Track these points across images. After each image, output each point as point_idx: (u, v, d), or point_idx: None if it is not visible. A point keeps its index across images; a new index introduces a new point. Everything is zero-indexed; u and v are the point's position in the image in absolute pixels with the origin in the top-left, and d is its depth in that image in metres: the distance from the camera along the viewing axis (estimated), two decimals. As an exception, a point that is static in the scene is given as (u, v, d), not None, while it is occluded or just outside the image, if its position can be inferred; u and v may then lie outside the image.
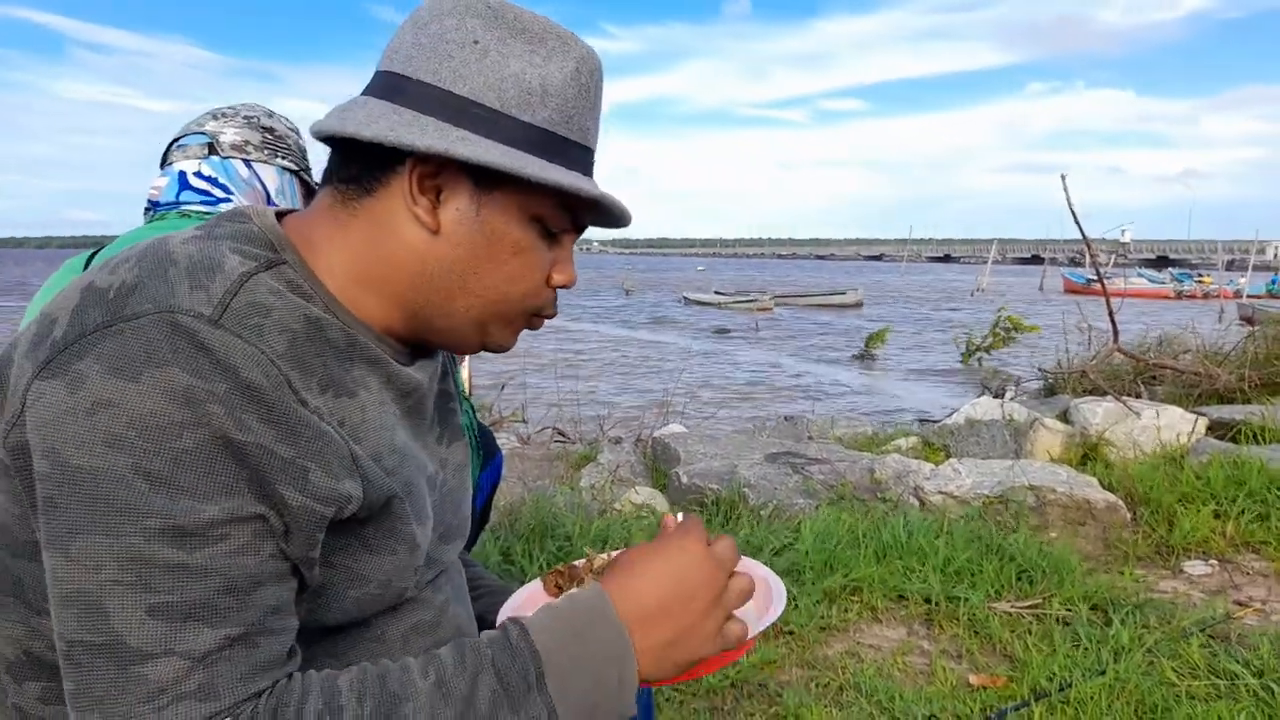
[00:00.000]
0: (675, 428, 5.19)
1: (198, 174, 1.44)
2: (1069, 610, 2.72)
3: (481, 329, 0.85)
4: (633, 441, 4.87)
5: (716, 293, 36.24)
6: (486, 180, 0.79)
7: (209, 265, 0.72)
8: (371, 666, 0.73)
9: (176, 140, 1.49)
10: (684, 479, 3.85)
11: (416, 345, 0.90)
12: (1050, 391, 6.63)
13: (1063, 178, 5.51)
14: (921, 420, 6.86)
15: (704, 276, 64.14)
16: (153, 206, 1.46)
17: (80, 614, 0.65)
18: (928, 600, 2.82)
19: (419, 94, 0.79)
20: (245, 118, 1.51)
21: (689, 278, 61.82)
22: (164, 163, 1.48)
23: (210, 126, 1.48)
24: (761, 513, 3.49)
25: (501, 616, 0.98)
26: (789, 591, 2.78)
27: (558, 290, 0.88)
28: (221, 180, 1.44)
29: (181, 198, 1.44)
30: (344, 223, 0.82)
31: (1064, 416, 4.93)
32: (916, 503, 3.70)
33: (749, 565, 1.07)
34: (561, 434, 5.70)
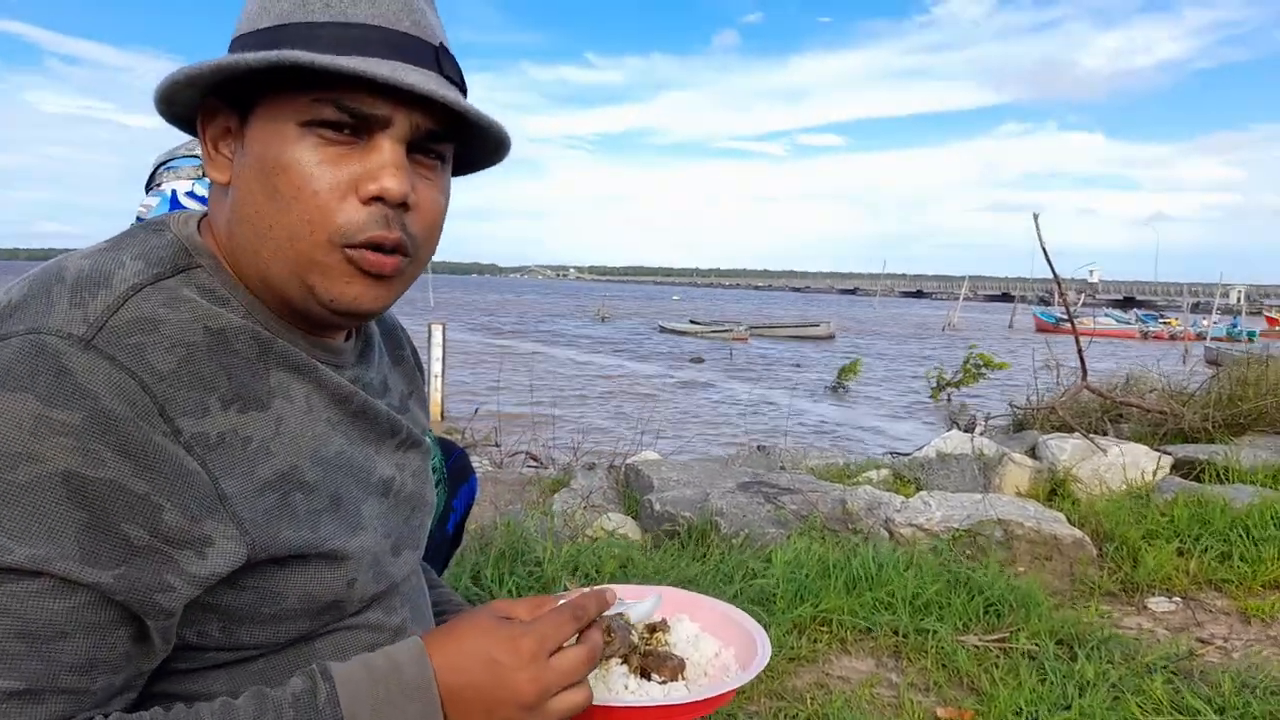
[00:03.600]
0: (649, 455, 5.19)
1: (189, 194, 1.44)
2: (1035, 644, 2.74)
3: (301, 281, 0.73)
4: (606, 468, 4.86)
5: (692, 322, 36.43)
6: (245, 106, 0.74)
7: (96, 280, 0.69)
8: (162, 717, 0.68)
9: (165, 163, 1.49)
10: (656, 506, 3.84)
11: (361, 342, 0.87)
12: (1019, 427, 6.71)
13: (1035, 217, 5.62)
14: (892, 453, 6.90)
15: (680, 305, 64.42)
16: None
17: None
18: (896, 632, 2.82)
19: (230, 49, 0.76)
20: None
21: (665, 306, 62.05)
22: (151, 185, 1.48)
23: (201, 151, 1.48)
24: (733, 541, 3.48)
25: None
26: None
27: (389, 209, 0.73)
28: (174, 201, 1.44)
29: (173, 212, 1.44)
30: (216, 208, 0.79)
31: (1032, 452, 4.99)
32: (887, 534, 3.71)
33: (736, 616, 1.06)
34: (534, 459, 5.67)
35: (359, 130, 0.72)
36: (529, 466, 5.54)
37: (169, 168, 1.47)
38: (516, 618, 0.78)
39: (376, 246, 0.73)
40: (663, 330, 34.85)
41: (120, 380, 0.64)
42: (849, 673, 2.64)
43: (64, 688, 0.64)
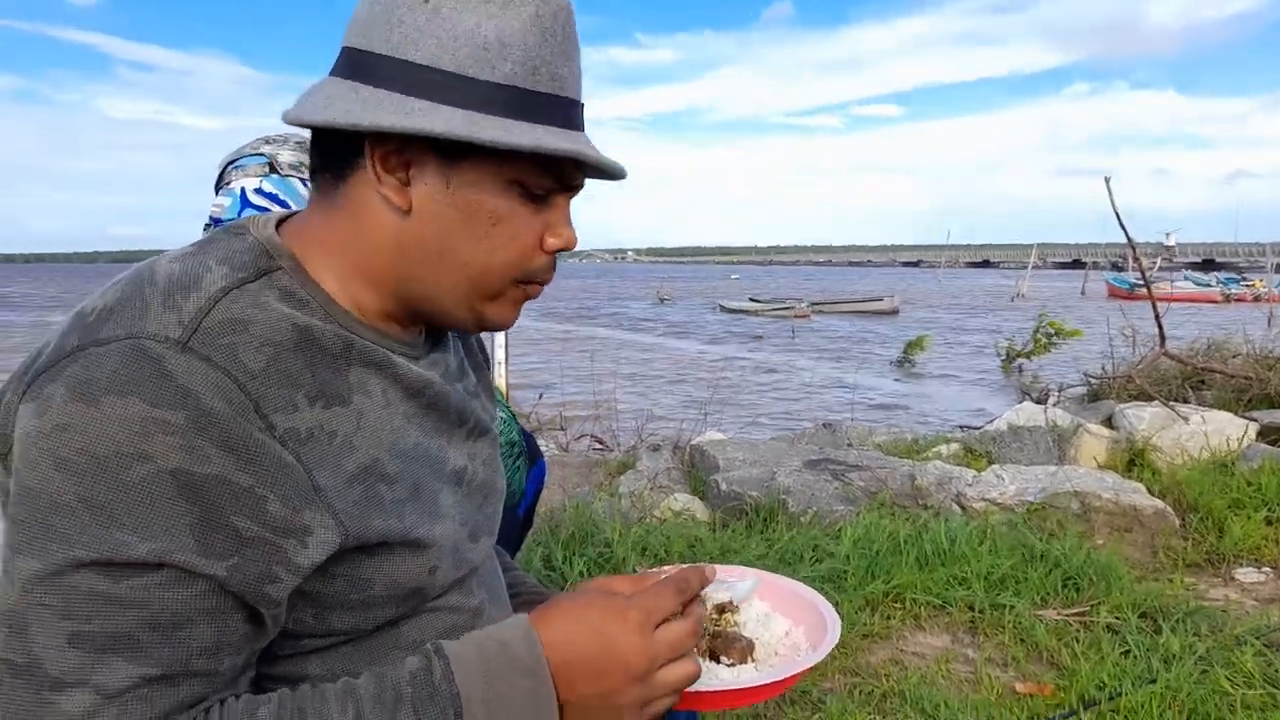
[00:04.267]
0: (713, 435, 5.19)
1: (258, 190, 1.48)
2: (1117, 618, 2.68)
3: (471, 306, 0.81)
4: (671, 449, 4.87)
5: (752, 300, 36.10)
6: (453, 151, 0.75)
7: (186, 283, 0.71)
8: (290, 696, 0.71)
9: (232, 162, 1.52)
10: (723, 486, 3.85)
11: (432, 331, 0.89)
12: (1094, 397, 6.52)
13: (1106, 180, 5.43)
14: (962, 427, 6.78)
15: (739, 284, 64.00)
16: (214, 224, 1.50)
17: (8, 633, 0.65)
18: (971, 608, 2.78)
19: (375, 67, 0.76)
20: (297, 142, 1.55)
21: (724, 286, 61.72)
22: (220, 184, 1.52)
23: (266, 149, 1.52)
24: (801, 519, 3.47)
25: None
26: (831, 598, 2.78)
27: (555, 255, 0.83)
28: (282, 197, 1.48)
29: (244, 214, 1.48)
30: (328, 215, 0.80)
31: (1109, 422, 4.85)
32: (959, 510, 3.66)
33: (806, 594, 1.04)
34: (600, 442, 5.72)
35: (553, 190, 0.80)
36: (594, 450, 5.58)
37: (237, 166, 1.52)
38: (619, 592, 0.80)
39: (542, 282, 0.84)
40: (723, 310, 34.61)
41: (217, 379, 0.67)
42: (924, 649, 2.62)
43: (196, 670, 0.68)
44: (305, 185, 1.50)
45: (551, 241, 0.81)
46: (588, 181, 0.86)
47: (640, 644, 0.75)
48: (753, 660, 0.91)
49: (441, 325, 0.85)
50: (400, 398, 0.82)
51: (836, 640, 0.93)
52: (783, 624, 1.01)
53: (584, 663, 0.75)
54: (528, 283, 0.82)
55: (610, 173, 0.84)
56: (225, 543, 0.67)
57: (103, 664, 0.64)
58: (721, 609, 1.03)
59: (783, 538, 3.28)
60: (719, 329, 25.76)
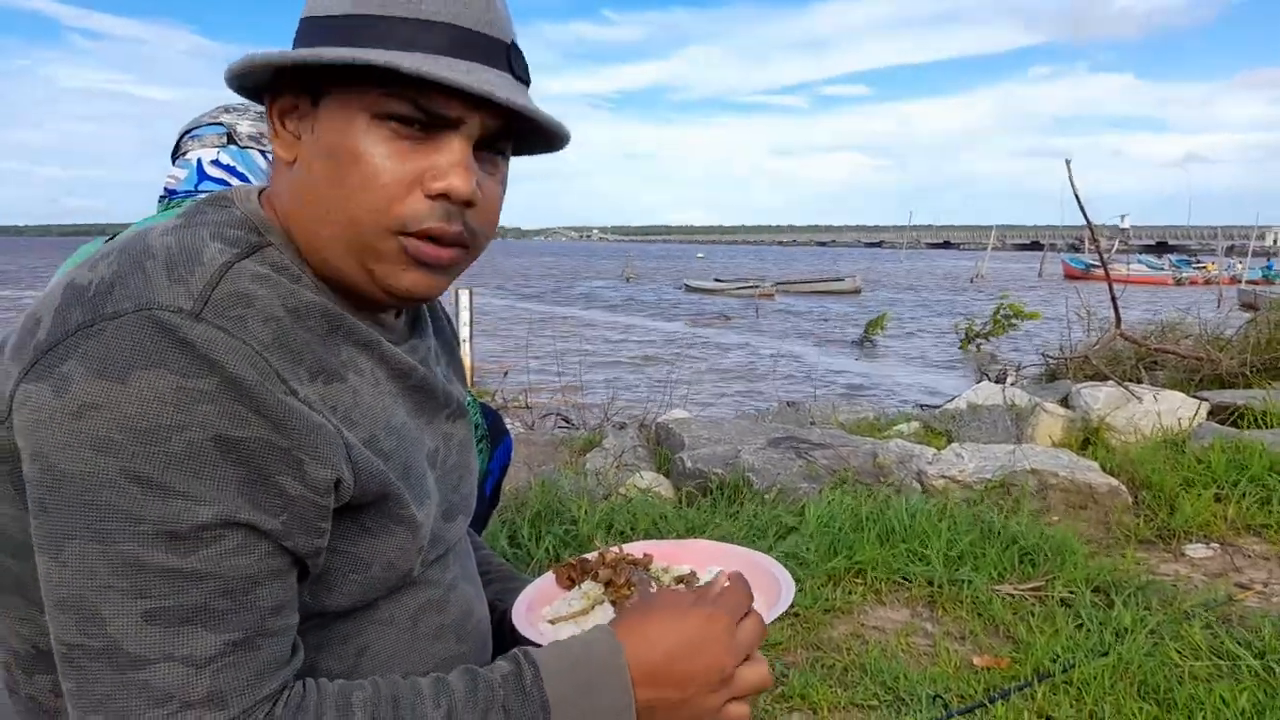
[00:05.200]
0: (678, 413, 5.21)
1: (215, 162, 1.45)
2: (1071, 592, 2.74)
3: (361, 266, 0.76)
4: (636, 427, 4.89)
5: (717, 280, 36.24)
6: (318, 93, 0.75)
7: (188, 256, 0.70)
8: (384, 685, 0.73)
9: (189, 131, 1.49)
10: (688, 463, 3.87)
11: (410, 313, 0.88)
12: (1051, 377, 6.65)
13: (1067, 163, 5.52)
14: (922, 405, 6.88)
15: (704, 264, 64.11)
16: (169, 195, 1.47)
17: (77, 619, 0.64)
18: (931, 583, 2.84)
19: (298, 32, 0.77)
20: (258, 113, 1.52)
21: (689, 265, 61.78)
22: (176, 154, 1.49)
23: (225, 119, 1.49)
24: (765, 496, 3.50)
25: (516, 611, 0.98)
26: (794, 573, 2.81)
27: (452, 205, 0.75)
28: (240, 169, 1.45)
29: (200, 187, 1.45)
30: (279, 183, 0.80)
31: (1065, 401, 4.95)
32: (919, 487, 3.72)
33: (758, 560, 1.08)
34: (565, 420, 5.72)
35: (430, 126, 0.73)
36: (560, 428, 5.58)
37: (194, 136, 1.48)
38: (686, 596, 0.81)
39: (434, 238, 0.75)
40: (689, 289, 34.68)
41: (237, 346, 0.66)
42: (884, 623, 2.67)
43: (270, 630, 0.69)
44: (265, 157, 1.47)
45: (434, 184, 0.73)
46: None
47: (728, 644, 0.77)
48: None
49: (362, 294, 0.79)
50: (387, 377, 0.81)
51: (787, 605, 0.95)
52: None
53: (670, 664, 0.76)
54: (407, 234, 0.74)
55: (549, 136, 0.80)
56: (274, 499, 0.68)
57: (185, 636, 0.64)
58: (681, 579, 1.05)
59: (747, 514, 3.31)
60: (685, 308, 25.82)
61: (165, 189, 1.48)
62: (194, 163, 1.46)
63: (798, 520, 3.20)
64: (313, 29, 0.75)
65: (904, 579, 2.88)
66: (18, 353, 0.68)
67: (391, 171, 0.73)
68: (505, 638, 1.01)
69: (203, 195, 1.45)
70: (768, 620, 0.93)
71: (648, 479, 3.80)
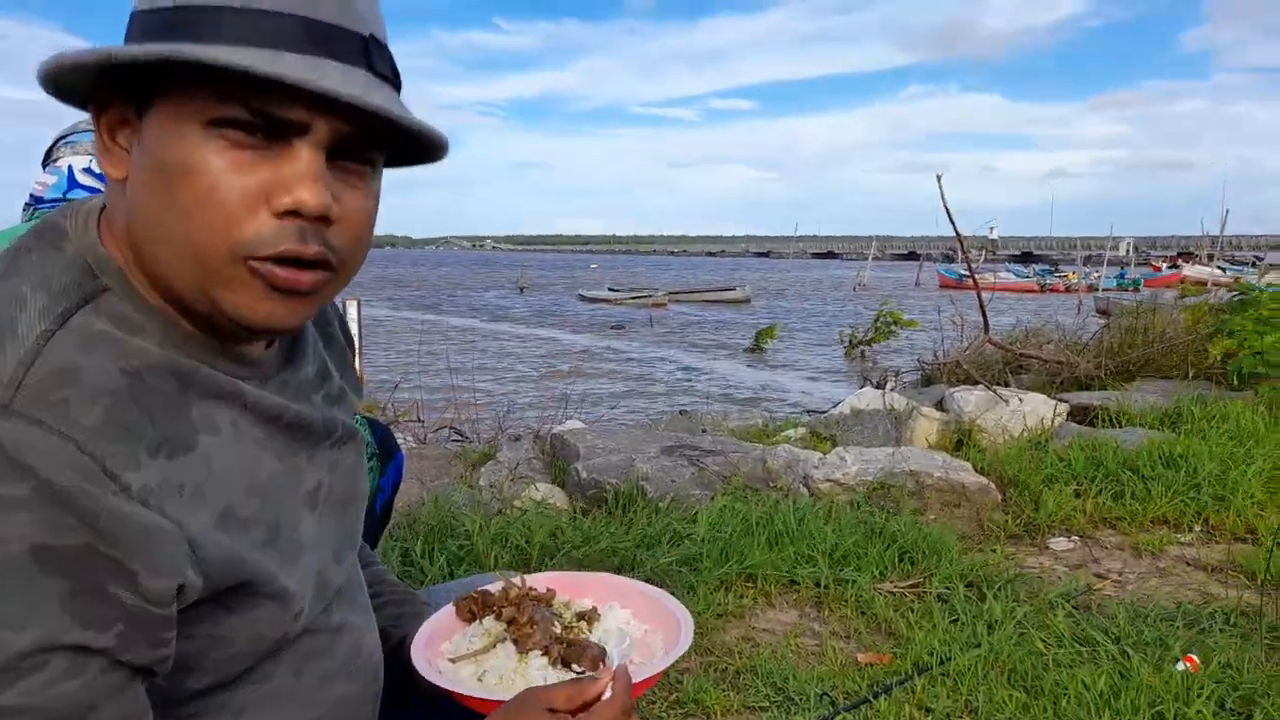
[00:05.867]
0: (573, 424, 5.22)
1: (87, 170, 1.39)
2: (947, 588, 2.89)
3: (207, 296, 0.67)
4: (531, 439, 4.87)
5: (611, 289, 36.42)
6: (142, 101, 0.66)
7: (1, 327, 0.62)
8: None
9: (64, 137, 1.43)
10: (583, 474, 3.89)
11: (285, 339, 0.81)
12: (927, 381, 6.98)
13: (938, 178, 5.81)
14: (809, 411, 7.10)
15: (598, 273, 64.27)
16: (35, 203, 1.40)
17: None
18: (818, 584, 2.94)
19: (127, 30, 0.69)
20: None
21: (583, 275, 61.82)
22: (48, 160, 1.42)
23: (94, 140, 1.43)
24: (659, 505, 3.55)
25: (415, 647, 0.96)
26: (687, 580, 2.84)
27: (306, 223, 0.66)
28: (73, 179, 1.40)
29: (69, 195, 1.39)
30: (113, 203, 0.71)
31: (940, 405, 5.21)
32: (806, 491, 3.84)
33: (658, 596, 1.10)
34: (459, 433, 5.64)
35: (273, 134, 0.65)
36: (454, 441, 5.51)
37: (68, 142, 1.42)
38: (558, 707, 0.81)
39: (291, 261, 0.67)
40: (583, 299, 34.76)
41: (53, 445, 0.59)
42: (774, 625, 2.75)
43: None
44: None
45: (280, 200, 0.65)
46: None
47: None
48: (604, 666, 0.94)
49: (217, 329, 0.71)
50: (251, 424, 0.74)
51: (687, 647, 0.98)
52: (640, 630, 1.06)
53: None
54: (257, 258, 0.65)
55: (428, 145, 0.72)
56: (105, 612, 0.61)
57: None
58: (582, 616, 1.06)
59: (641, 524, 3.35)
60: (579, 318, 25.82)
61: (31, 195, 1.41)
62: (65, 169, 1.39)
63: (690, 527, 3.26)
64: (141, 24, 0.66)
65: (793, 581, 2.97)
66: None
67: (230, 187, 0.64)
68: (400, 667, 0.99)
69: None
70: (668, 662, 0.95)
71: (543, 490, 3.80)
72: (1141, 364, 6.19)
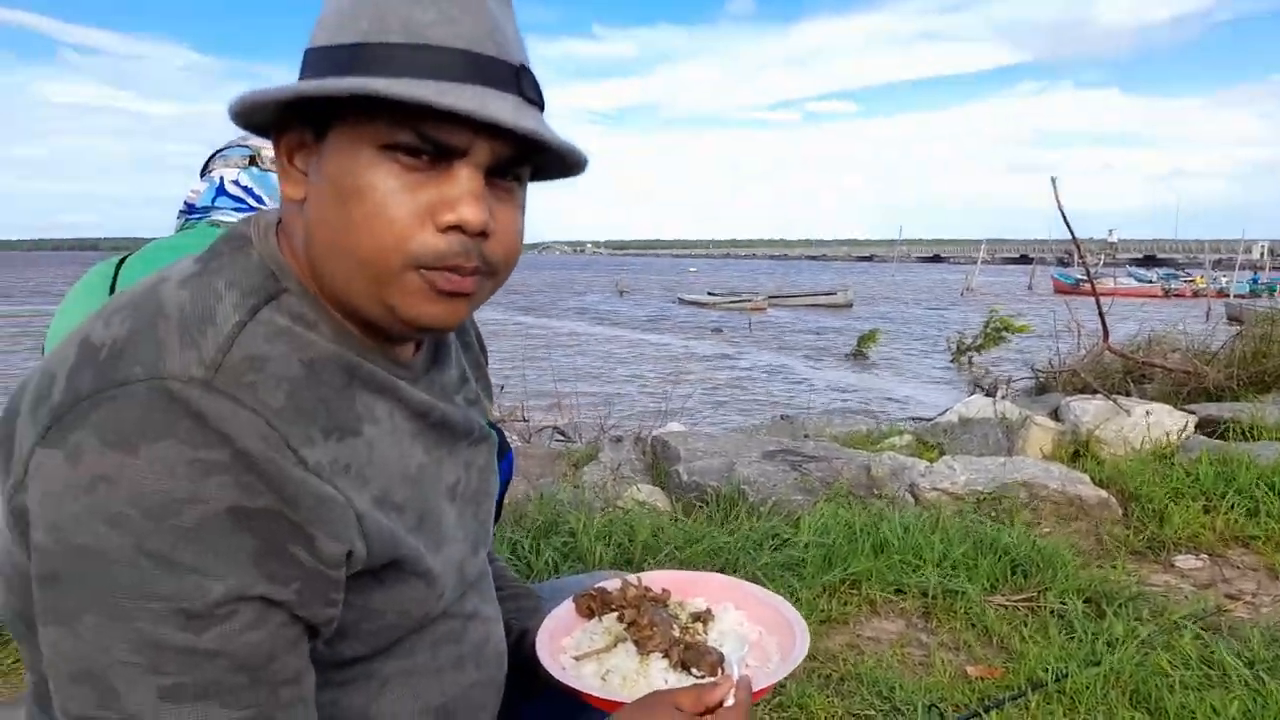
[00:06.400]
0: (674, 426, 5.25)
1: (235, 182, 1.48)
2: (1063, 603, 2.78)
3: (379, 301, 0.73)
4: (632, 440, 4.91)
5: (710, 293, 36.36)
6: (322, 128, 0.72)
7: (201, 316, 0.69)
8: None
9: (219, 151, 1.53)
10: (684, 476, 3.91)
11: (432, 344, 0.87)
12: (1041, 390, 6.71)
13: (1052, 180, 5.59)
14: (914, 419, 6.93)
15: (697, 278, 64.26)
16: (188, 209, 1.51)
17: (94, 693, 0.64)
18: (925, 594, 2.87)
19: (303, 64, 0.75)
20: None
21: (682, 279, 61.91)
22: (205, 170, 1.53)
23: (254, 141, 1.53)
24: (760, 509, 3.54)
25: (539, 642, 1.00)
26: (790, 585, 2.82)
27: (468, 238, 0.72)
28: (258, 191, 1.49)
29: (216, 203, 1.49)
30: (290, 219, 0.78)
31: (1055, 414, 5.01)
32: (912, 499, 3.76)
33: (772, 601, 1.10)
34: (561, 433, 5.74)
35: (438, 156, 0.71)
36: (556, 440, 5.61)
37: (221, 155, 1.53)
38: (684, 709, 0.84)
39: (453, 269, 0.73)
40: (682, 302, 34.81)
41: (246, 418, 0.65)
42: (879, 634, 2.70)
43: (285, 702, 0.69)
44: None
45: (444, 216, 0.71)
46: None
47: None
48: (723, 672, 0.95)
49: (382, 330, 0.78)
50: (404, 418, 0.81)
51: (803, 656, 0.97)
52: (755, 633, 1.07)
53: None
54: (425, 268, 0.72)
55: (571, 163, 0.77)
56: (287, 570, 0.67)
57: (198, 713, 0.65)
58: (697, 617, 1.07)
59: (743, 527, 3.35)
60: (677, 321, 25.88)
61: (185, 202, 1.52)
62: (216, 180, 1.50)
63: (793, 532, 3.24)
64: (317, 60, 0.73)
65: (898, 590, 2.92)
66: (34, 411, 0.68)
67: (400, 205, 0.70)
68: (522, 659, 1.03)
69: (217, 212, 1.49)
70: (787, 670, 0.95)
71: (645, 491, 3.83)
72: (1278, 375, 5.81)
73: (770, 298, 33.30)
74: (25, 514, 0.67)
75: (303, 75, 0.74)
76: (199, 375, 0.66)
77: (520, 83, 0.73)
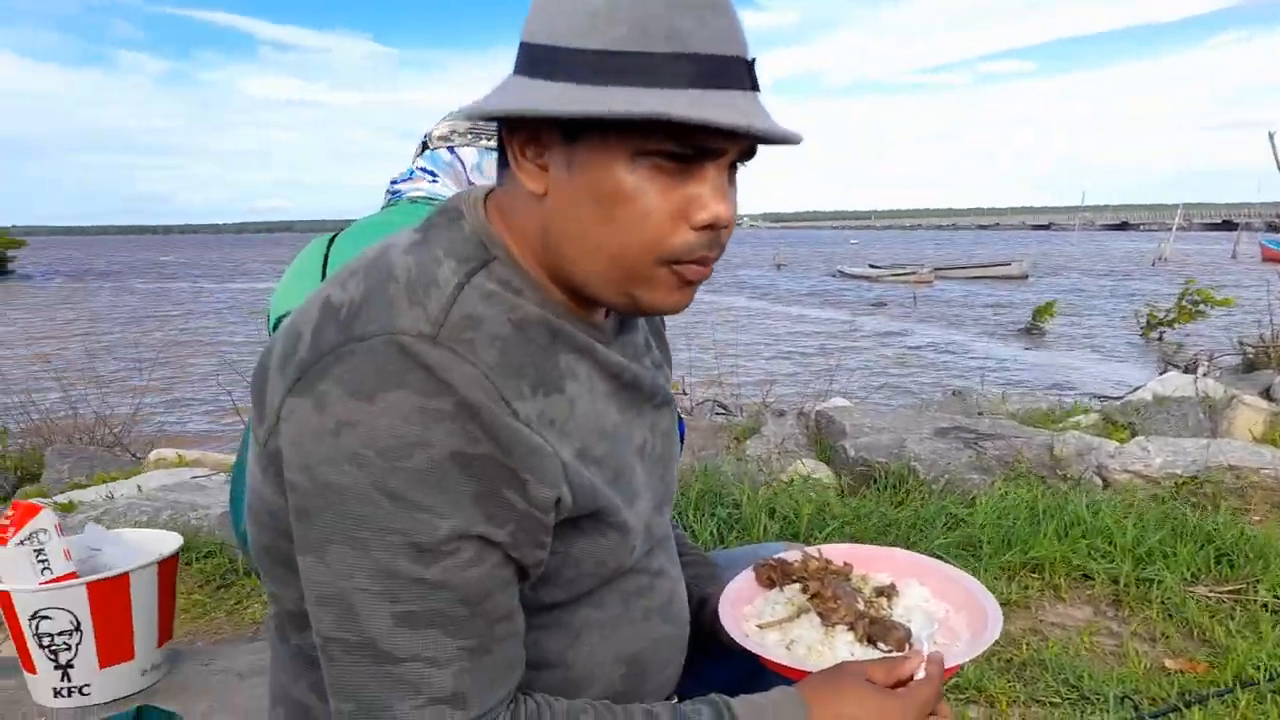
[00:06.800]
0: (839, 401, 5.15)
1: (419, 166, 1.66)
2: (1277, 597, 2.55)
3: (622, 291, 0.78)
4: (795, 415, 4.87)
5: (871, 266, 35.25)
6: (572, 130, 0.73)
7: (425, 279, 0.75)
8: (603, 710, 0.79)
9: (425, 136, 1.70)
10: (850, 452, 3.83)
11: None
12: (1250, 367, 6.13)
13: (1270, 136, 5.06)
14: (1099, 396, 6.49)
15: (858, 249, 62.52)
16: (391, 185, 1.65)
17: (335, 615, 0.72)
18: (1115, 581, 2.71)
19: (523, 57, 0.76)
20: (448, 115, 1.70)
21: (842, 251, 60.39)
22: (424, 151, 1.69)
23: (427, 127, 1.68)
24: (932, 487, 3.43)
25: (721, 608, 1.01)
26: (966, 565, 2.72)
27: (716, 231, 0.76)
28: (429, 168, 1.66)
29: (410, 178, 1.65)
30: (509, 201, 0.82)
31: (1267, 394, 4.57)
32: (1100, 481, 3.54)
33: (960, 578, 1.06)
34: (722, 406, 5.76)
35: (692, 158, 0.74)
36: (717, 414, 5.63)
37: (425, 140, 1.66)
38: (876, 681, 0.85)
39: (700, 261, 0.77)
40: (842, 275, 33.93)
41: (468, 370, 0.71)
42: (1064, 620, 2.57)
43: (499, 636, 0.75)
44: (450, 152, 1.63)
45: (699, 215, 0.75)
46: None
47: None
48: (910, 648, 0.93)
49: (593, 301, 0.82)
50: (600, 378, 0.85)
51: (997, 635, 0.94)
52: (942, 609, 1.03)
53: None
54: (676, 263, 0.76)
55: (778, 138, 0.76)
56: (503, 512, 0.73)
57: (429, 639, 0.71)
58: (881, 591, 1.05)
59: (913, 504, 3.25)
60: (839, 295, 25.29)
61: (391, 180, 1.68)
62: (412, 163, 1.63)
63: (968, 512, 3.12)
64: (567, 62, 0.72)
65: (1085, 575, 2.76)
66: (283, 365, 0.75)
67: (659, 208, 0.74)
68: (702, 625, 1.06)
69: (411, 192, 1.61)
70: (981, 649, 0.93)
71: (809, 466, 3.79)
72: None
73: (937, 269, 31.83)
74: (278, 456, 0.75)
75: (537, 71, 0.74)
76: (426, 331, 0.71)
77: (753, 76, 0.75)
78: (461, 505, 0.71)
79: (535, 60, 0.75)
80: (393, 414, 0.68)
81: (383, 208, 1.63)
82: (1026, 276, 30.97)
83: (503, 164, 0.82)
